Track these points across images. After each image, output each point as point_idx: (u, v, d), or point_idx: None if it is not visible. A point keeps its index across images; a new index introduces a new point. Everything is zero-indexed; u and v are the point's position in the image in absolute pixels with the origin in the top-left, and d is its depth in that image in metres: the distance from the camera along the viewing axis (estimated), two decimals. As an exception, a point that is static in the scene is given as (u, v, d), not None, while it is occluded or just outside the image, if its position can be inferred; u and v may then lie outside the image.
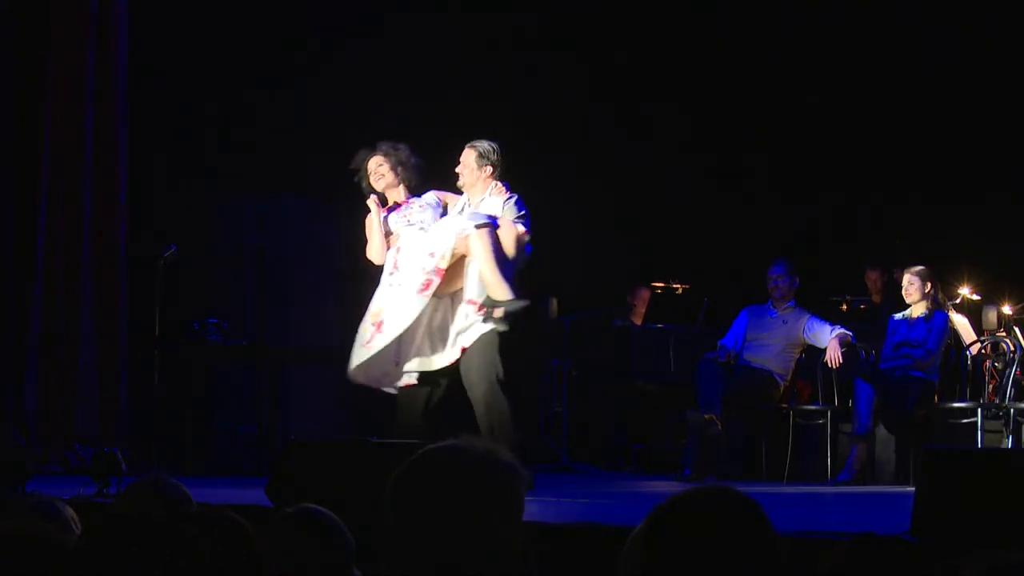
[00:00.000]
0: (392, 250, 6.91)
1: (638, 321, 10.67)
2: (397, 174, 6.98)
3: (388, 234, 6.96)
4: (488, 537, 2.14)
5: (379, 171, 6.99)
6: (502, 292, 6.58)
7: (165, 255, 8.52)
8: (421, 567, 2.11)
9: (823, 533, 4.40)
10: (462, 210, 6.98)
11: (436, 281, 6.68)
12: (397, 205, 7.03)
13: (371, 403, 9.76)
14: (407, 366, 6.82)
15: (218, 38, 9.60)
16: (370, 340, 6.75)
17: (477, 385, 6.68)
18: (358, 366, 6.81)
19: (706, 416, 8.49)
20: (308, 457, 5.29)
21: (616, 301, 10.75)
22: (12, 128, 8.85)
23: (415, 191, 7.06)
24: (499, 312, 6.60)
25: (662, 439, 10.11)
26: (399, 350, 6.80)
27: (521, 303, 6.61)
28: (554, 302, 10.41)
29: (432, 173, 7.12)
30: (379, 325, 6.75)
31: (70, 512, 3.06)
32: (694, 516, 2.10)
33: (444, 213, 7.03)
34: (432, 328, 6.82)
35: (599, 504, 6.50)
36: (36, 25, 8.88)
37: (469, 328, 6.72)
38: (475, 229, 6.61)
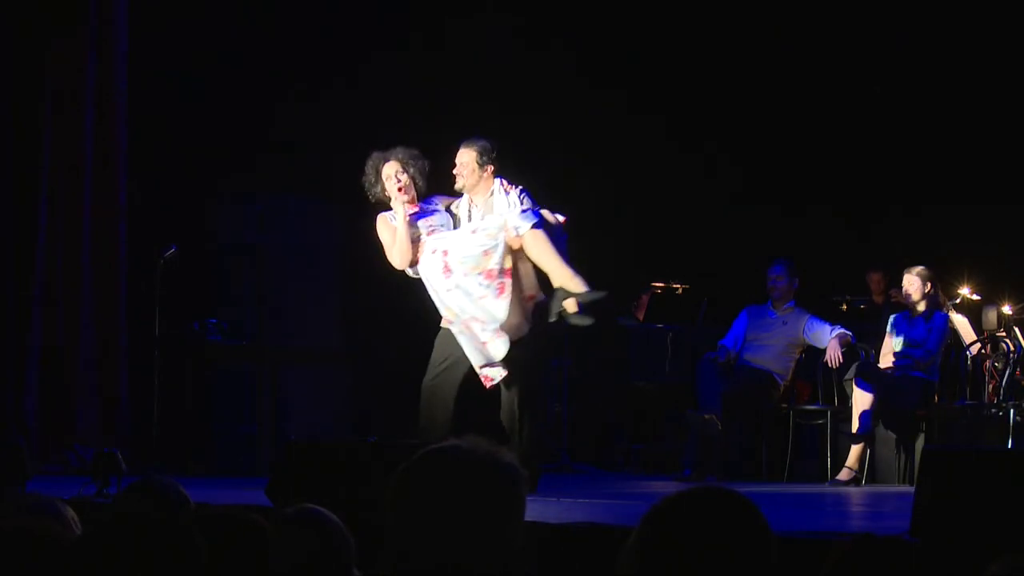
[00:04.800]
0: (437, 255, 6.69)
1: (639, 317, 10.65)
2: (414, 183, 6.84)
3: (415, 240, 6.77)
4: (488, 537, 2.14)
5: (398, 177, 6.79)
6: (577, 284, 6.52)
7: (165, 255, 8.52)
8: (421, 567, 2.11)
9: (823, 533, 4.41)
10: (469, 212, 6.89)
11: (509, 283, 6.58)
12: (415, 211, 6.88)
13: (371, 403, 9.81)
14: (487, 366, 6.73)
15: (218, 38, 9.59)
16: (487, 342, 6.62)
17: (519, 379, 6.66)
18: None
19: (706, 416, 8.50)
20: (308, 457, 5.30)
21: (617, 301, 10.72)
22: (12, 128, 8.85)
23: (420, 197, 6.94)
24: (572, 305, 6.51)
25: (662, 439, 10.11)
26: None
27: (599, 294, 6.53)
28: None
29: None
30: (496, 331, 6.60)
31: (70, 512, 3.06)
32: (687, 516, 2.10)
33: (451, 215, 6.95)
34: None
35: (599, 504, 6.49)
36: (36, 24, 8.87)
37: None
38: (530, 229, 6.52)
